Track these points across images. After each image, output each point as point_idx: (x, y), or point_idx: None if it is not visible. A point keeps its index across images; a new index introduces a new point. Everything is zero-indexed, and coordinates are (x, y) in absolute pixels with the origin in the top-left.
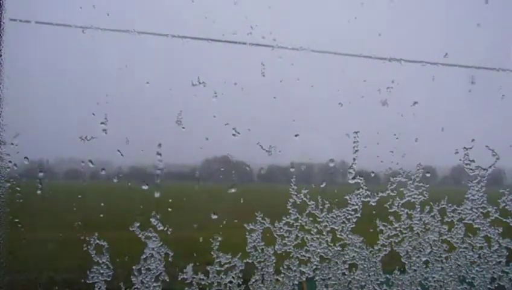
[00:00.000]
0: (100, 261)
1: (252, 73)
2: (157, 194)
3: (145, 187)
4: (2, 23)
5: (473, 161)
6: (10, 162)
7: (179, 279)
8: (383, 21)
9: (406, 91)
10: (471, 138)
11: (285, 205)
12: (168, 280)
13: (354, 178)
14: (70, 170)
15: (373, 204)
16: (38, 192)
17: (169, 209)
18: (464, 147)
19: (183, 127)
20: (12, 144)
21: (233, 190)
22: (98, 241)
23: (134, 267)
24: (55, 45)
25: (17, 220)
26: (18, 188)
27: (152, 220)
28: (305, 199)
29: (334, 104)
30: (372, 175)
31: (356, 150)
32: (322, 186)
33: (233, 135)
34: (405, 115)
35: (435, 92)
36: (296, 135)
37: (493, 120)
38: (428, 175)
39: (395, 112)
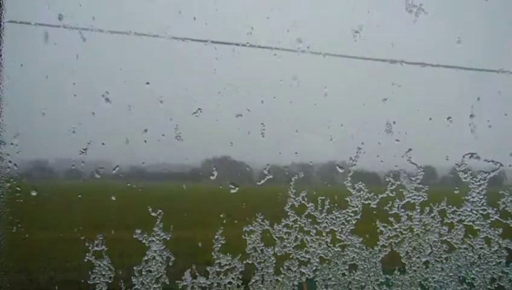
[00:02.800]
0: (100, 262)
1: (252, 73)
2: (156, 194)
3: (145, 188)
4: (2, 23)
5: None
6: (10, 162)
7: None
8: (382, 22)
9: (405, 92)
10: (471, 139)
11: (285, 206)
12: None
13: (354, 179)
14: (69, 170)
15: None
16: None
17: (168, 210)
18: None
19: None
20: (12, 144)
21: (233, 191)
22: (98, 241)
23: (135, 268)
24: (54, 45)
25: (17, 220)
26: (18, 188)
27: (151, 220)
28: (303, 201)
29: (334, 104)
30: (373, 176)
31: (356, 151)
32: (322, 187)
33: (233, 135)
34: (405, 116)
35: (436, 93)
36: (296, 131)
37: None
38: (428, 176)
39: (395, 112)
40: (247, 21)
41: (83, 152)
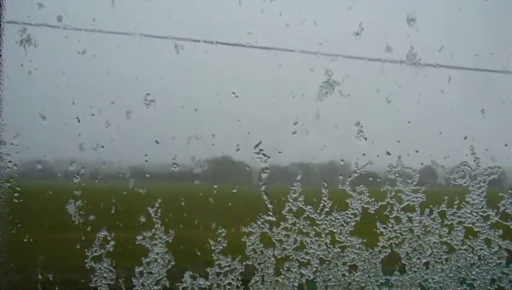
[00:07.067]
0: (100, 263)
1: (251, 74)
2: (156, 195)
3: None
4: (2, 23)
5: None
6: (10, 162)
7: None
8: (382, 21)
9: (405, 92)
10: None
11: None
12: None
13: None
14: (69, 170)
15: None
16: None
17: (167, 210)
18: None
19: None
20: (12, 144)
21: (233, 191)
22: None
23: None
24: (55, 46)
25: (17, 220)
26: (18, 188)
27: (150, 220)
28: (302, 203)
29: (334, 104)
30: (373, 176)
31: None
32: (322, 187)
33: (233, 135)
34: (405, 116)
35: (436, 93)
36: (294, 132)
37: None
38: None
39: (394, 113)
40: (247, 21)
41: (82, 152)
